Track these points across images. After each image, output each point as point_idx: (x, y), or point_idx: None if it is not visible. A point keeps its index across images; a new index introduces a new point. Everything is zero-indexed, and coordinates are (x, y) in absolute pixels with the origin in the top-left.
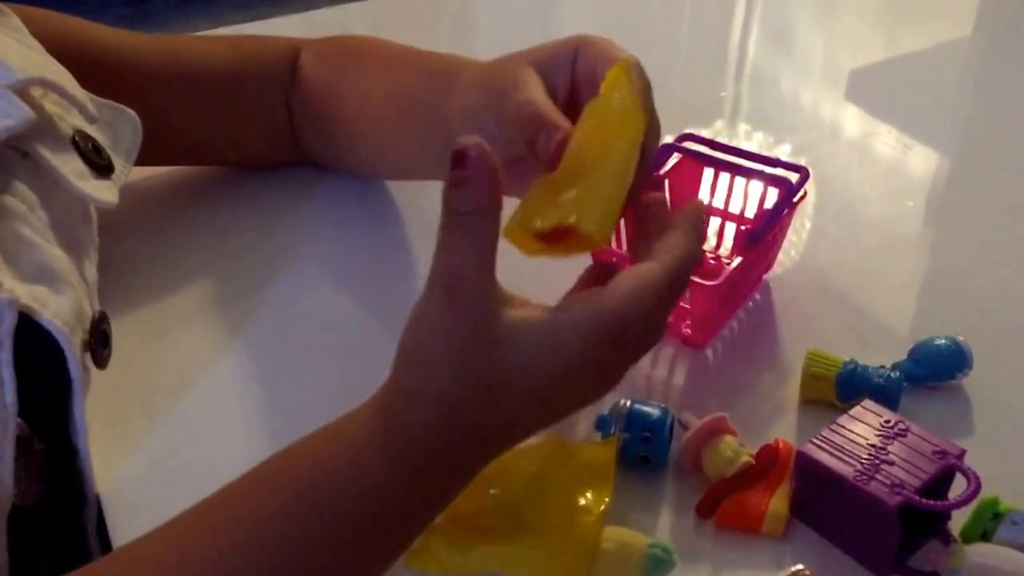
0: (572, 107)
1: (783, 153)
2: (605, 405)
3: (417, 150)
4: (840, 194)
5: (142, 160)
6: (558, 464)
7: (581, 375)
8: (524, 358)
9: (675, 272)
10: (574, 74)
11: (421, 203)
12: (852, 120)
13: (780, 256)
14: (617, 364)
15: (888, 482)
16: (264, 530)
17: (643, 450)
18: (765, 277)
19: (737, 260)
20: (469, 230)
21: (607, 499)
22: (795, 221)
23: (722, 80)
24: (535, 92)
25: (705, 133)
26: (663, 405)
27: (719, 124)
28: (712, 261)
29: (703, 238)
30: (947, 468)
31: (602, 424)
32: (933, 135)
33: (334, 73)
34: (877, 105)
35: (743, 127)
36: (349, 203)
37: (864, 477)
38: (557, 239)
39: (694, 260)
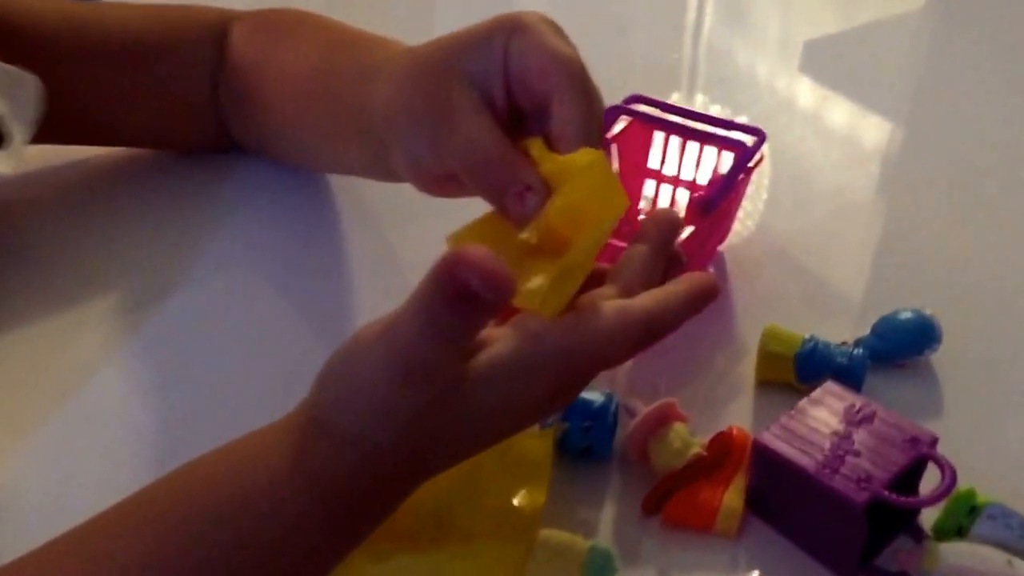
0: (510, 111)
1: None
2: None
3: (342, 148)
4: (796, 163)
5: (48, 137)
6: (489, 459)
7: (543, 403)
8: (494, 399)
9: (661, 315)
10: (507, 77)
11: (356, 189)
12: (806, 91)
13: (736, 227)
14: (578, 387)
15: (854, 475)
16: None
17: (584, 440)
18: (720, 248)
19: (689, 230)
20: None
21: (543, 499)
22: (751, 191)
23: (678, 52)
24: (478, 129)
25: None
26: (606, 390)
27: (675, 96)
28: None
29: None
30: (919, 458)
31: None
32: (886, 105)
33: (263, 51)
34: (831, 76)
35: (699, 98)
36: (273, 188)
37: (827, 470)
38: None
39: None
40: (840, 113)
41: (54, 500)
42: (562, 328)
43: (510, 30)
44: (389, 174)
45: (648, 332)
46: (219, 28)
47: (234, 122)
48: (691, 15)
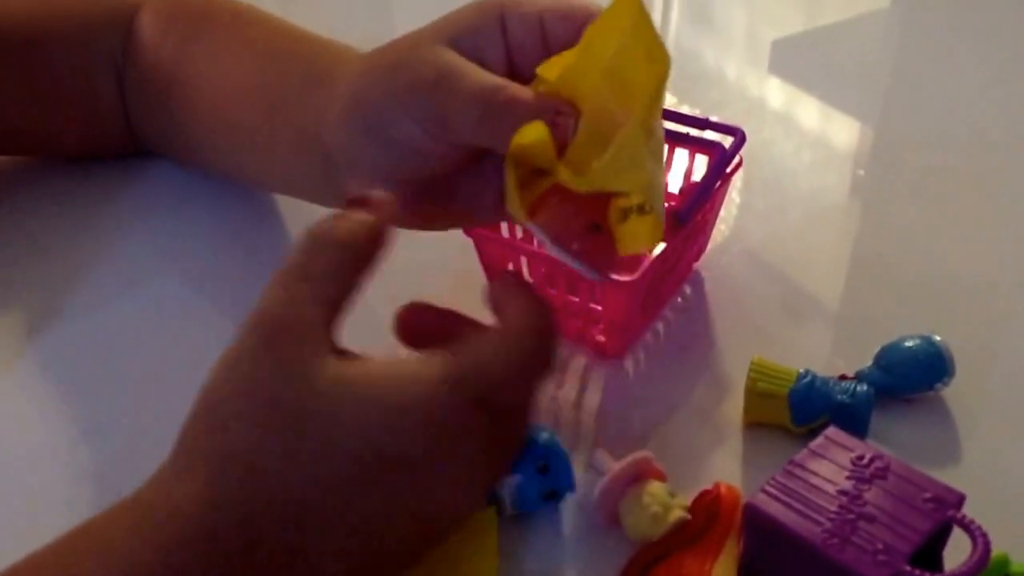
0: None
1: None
2: None
3: (284, 165)
4: (769, 166)
5: None
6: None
7: (448, 445)
8: (351, 413)
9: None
10: (508, 48)
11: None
12: (776, 91)
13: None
14: (488, 434)
15: (869, 547)
16: None
17: (545, 484)
18: (695, 266)
19: (660, 247)
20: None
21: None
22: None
23: None
24: (476, 72)
25: None
26: (540, 424)
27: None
28: None
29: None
30: (943, 522)
31: None
32: (855, 104)
33: (184, 44)
34: (800, 75)
35: (668, 98)
36: (184, 192)
37: (837, 540)
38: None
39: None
40: (811, 113)
41: None
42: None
43: (500, 3)
44: (336, 196)
45: (536, 340)
46: (126, 13)
47: (143, 122)
48: (657, 15)
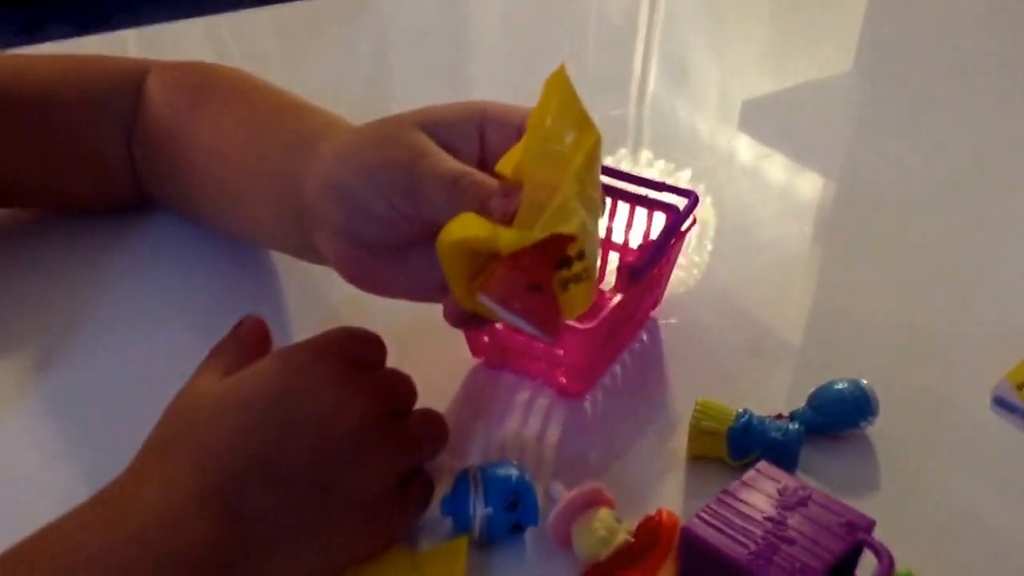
0: None
1: (683, 179)
2: (446, 481)
3: (266, 219)
4: (736, 216)
5: None
6: None
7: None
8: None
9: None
10: (483, 149)
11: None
12: (745, 147)
13: (680, 275)
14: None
15: (789, 566)
16: None
17: (512, 519)
18: (653, 314)
19: (618, 297)
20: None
21: None
22: (695, 243)
23: (624, 110)
24: (446, 159)
25: (608, 160)
26: (513, 463)
27: (621, 151)
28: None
29: None
30: (855, 544)
31: (452, 506)
32: (819, 161)
33: (188, 110)
34: (767, 133)
35: (645, 153)
36: (186, 242)
37: (761, 560)
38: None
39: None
40: (777, 169)
41: None
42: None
43: (482, 107)
44: (308, 250)
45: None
46: (135, 79)
47: (149, 181)
48: (636, 74)
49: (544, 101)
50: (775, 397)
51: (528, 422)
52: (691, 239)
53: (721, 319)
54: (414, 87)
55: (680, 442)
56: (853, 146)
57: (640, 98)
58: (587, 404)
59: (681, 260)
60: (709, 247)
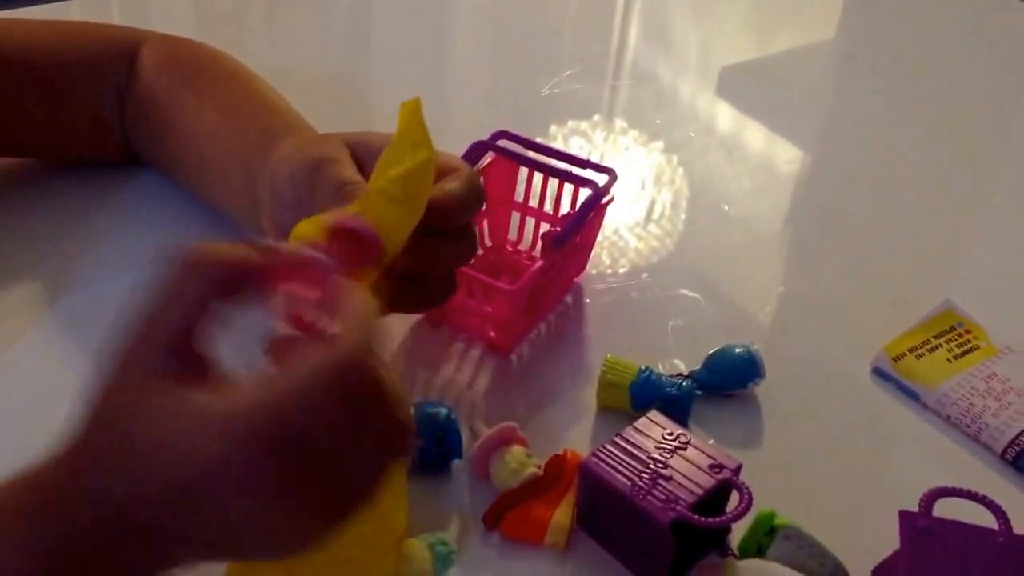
0: None
1: (656, 149)
2: None
3: (231, 197)
4: (712, 189)
5: None
6: None
7: (230, 485)
8: (156, 435)
9: (351, 362)
10: None
11: None
12: (724, 115)
13: (654, 245)
14: (284, 478)
15: (663, 497)
16: None
17: (439, 450)
18: (578, 280)
19: (539, 263)
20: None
21: (404, 524)
22: (668, 213)
23: (602, 76)
24: (347, 170)
25: (585, 126)
26: (442, 403)
27: (596, 118)
28: (527, 263)
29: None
30: (723, 483)
31: None
32: (797, 132)
33: (176, 85)
34: (746, 101)
35: (618, 123)
36: (167, 195)
37: (641, 492)
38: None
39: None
40: (755, 139)
41: None
42: (259, 383)
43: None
44: (259, 232)
45: (343, 369)
46: (128, 47)
47: (137, 142)
48: (614, 36)
49: (400, 122)
50: (677, 360)
51: (460, 371)
52: (664, 209)
53: (675, 283)
54: (392, 62)
55: (592, 394)
56: (832, 117)
57: (618, 63)
58: (513, 358)
59: (654, 229)
60: (682, 217)
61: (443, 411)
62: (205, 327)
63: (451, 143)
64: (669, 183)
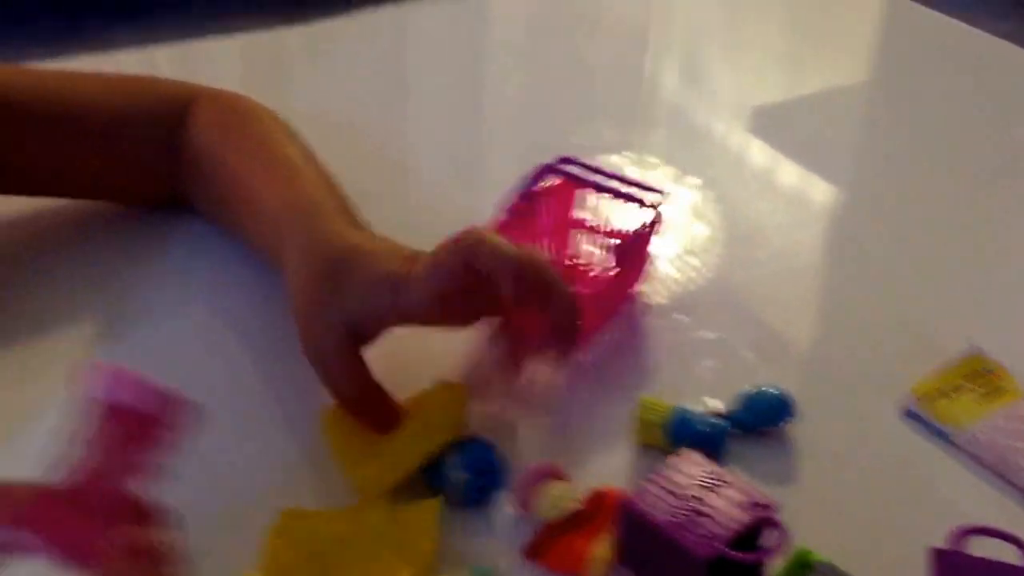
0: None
1: (693, 185)
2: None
3: (264, 252)
4: (745, 222)
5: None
6: (372, 528)
7: None
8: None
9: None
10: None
11: None
12: (757, 153)
13: (677, 276)
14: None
15: (700, 533)
16: None
17: (481, 483)
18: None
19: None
20: None
21: (431, 551)
22: (702, 245)
23: (635, 113)
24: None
25: (615, 160)
26: (484, 438)
27: (627, 154)
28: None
29: None
30: (759, 520)
31: (431, 471)
32: (829, 170)
33: (222, 143)
34: (779, 140)
35: (651, 159)
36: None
37: (678, 527)
38: None
39: None
40: (789, 176)
41: None
42: None
43: (468, 250)
44: None
45: None
46: (181, 101)
47: (189, 195)
48: (647, 73)
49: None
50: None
51: (504, 406)
52: (699, 243)
53: (710, 319)
54: (426, 107)
55: (629, 429)
56: (865, 156)
57: (650, 100)
58: (556, 392)
59: (692, 261)
60: (717, 251)
61: (485, 446)
62: None
63: (485, 186)
64: (701, 218)
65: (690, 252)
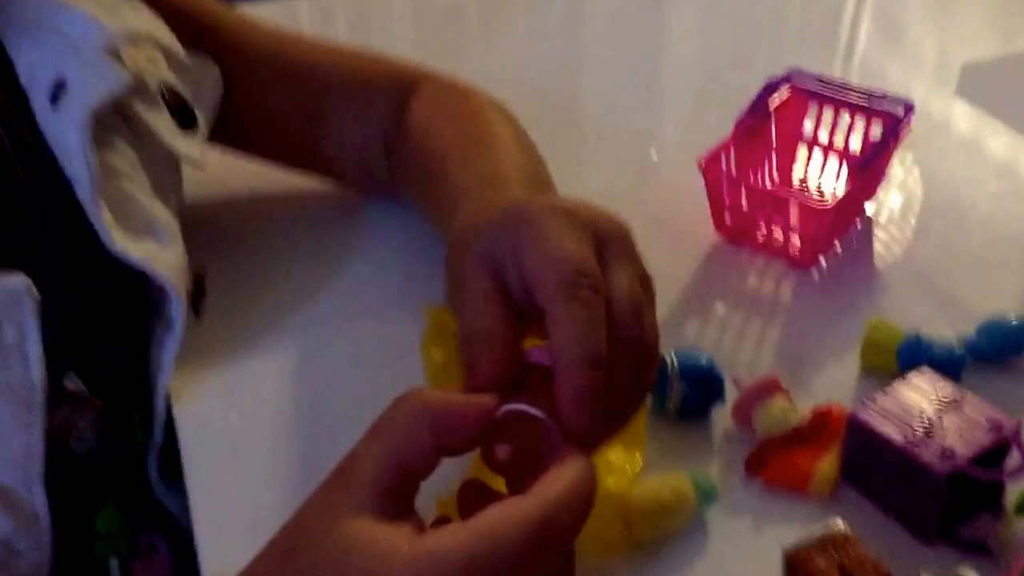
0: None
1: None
2: None
3: (440, 227)
4: (950, 191)
5: (222, 137)
6: None
7: None
8: (344, 565)
9: (553, 510)
10: (520, 271)
11: None
12: (963, 116)
13: (880, 249)
14: None
15: (939, 450)
16: None
17: (701, 396)
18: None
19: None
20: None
21: (639, 459)
22: (897, 216)
23: (831, 70)
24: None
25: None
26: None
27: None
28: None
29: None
30: (1001, 441)
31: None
32: None
33: (439, 119)
34: (989, 102)
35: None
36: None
37: (914, 444)
38: None
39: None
40: (998, 142)
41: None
42: (447, 530)
43: (517, 224)
44: None
45: (542, 516)
46: (406, 83)
47: (395, 179)
48: (844, 31)
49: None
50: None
51: (728, 320)
52: (895, 212)
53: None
54: (602, 76)
55: (855, 353)
56: None
57: (847, 59)
58: (785, 308)
59: (883, 234)
60: (912, 222)
61: (705, 358)
62: (422, 475)
63: (668, 145)
64: (901, 185)
65: (881, 223)
